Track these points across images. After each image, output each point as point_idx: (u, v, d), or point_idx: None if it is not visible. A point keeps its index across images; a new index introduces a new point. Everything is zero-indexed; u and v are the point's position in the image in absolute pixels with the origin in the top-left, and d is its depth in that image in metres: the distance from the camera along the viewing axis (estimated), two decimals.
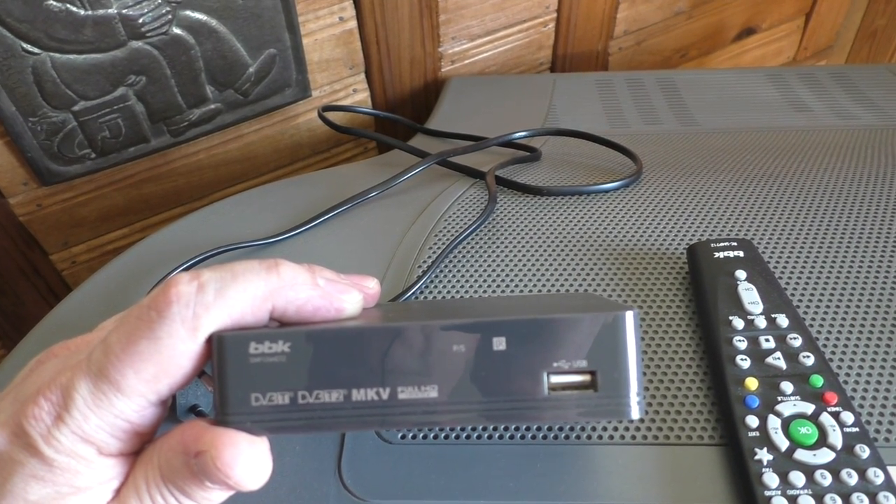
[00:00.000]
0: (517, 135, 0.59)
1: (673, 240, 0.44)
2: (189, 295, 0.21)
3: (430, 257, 0.44)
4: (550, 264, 0.43)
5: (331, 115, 0.71)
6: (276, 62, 0.65)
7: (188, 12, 0.58)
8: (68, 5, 0.52)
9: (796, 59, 1.10)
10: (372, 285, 0.26)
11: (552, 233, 0.46)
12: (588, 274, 0.42)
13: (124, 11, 0.54)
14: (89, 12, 0.53)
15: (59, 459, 0.20)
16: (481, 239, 0.46)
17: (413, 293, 0.41)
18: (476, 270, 0.43)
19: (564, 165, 0.56)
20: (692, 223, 0.46)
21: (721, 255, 0.38)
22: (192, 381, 0.22)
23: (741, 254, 0.38)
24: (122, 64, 0.57)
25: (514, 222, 0.48)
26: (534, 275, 0.42)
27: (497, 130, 0.61)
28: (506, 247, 0.45)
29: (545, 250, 0.44)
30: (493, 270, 0.43)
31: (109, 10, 0.54)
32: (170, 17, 0.57)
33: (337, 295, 0.23)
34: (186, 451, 0.21)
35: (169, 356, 0.20)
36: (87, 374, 0.20)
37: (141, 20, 0.56)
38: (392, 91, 0.76)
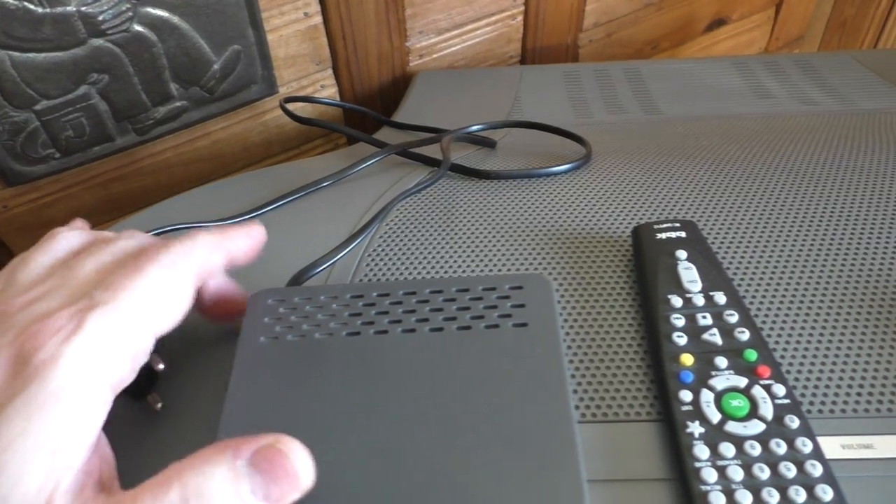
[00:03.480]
0: (473, 128, 0.59)
1: (621, 223, 0.44)
2: (182, 241, 0.29)
3: (382, 240, 0.45)
4: (499, 246, 0.43)
5: (296, 108, 0.72)
6: (240, 59, 0.65)
7: (149, 9, 0.58)
8: (25, 3, 0.52)
9: (768, 49, 1.10)
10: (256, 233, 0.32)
11: (502, 216, 0.46)
12: (535, 256, 0.42)
13: (83, 9, 0.55)
14: (47, 10, 0.53)
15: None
16: (432, 221, 0.46)
17: (349, 250, 0.43)
18: (425, 249, 0.43)
19: (520, 154, 0.56)
20: (640, 206, 0.46)
21: (663, 235, 0.38)
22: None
23: (683, 234, 0.38)
24: (83, 62, 0.57)
25: (464, 206, 0.48)
26: (481, 256, 0.42)
27: (462, 123, 0.62)
28: (455, 229, 0.45)
29: (494, 232, 0.45)
30: (442, 249, 0.43)
31: (68, 8, 0.54)
32: (130, 14, 0.57)
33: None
34: (235, 453, 0.22)
35: (162, 291, 0.27)
36: None
37: (101, 17, 0.56)
38: (360, 86, 0.76)
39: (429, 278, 0.31)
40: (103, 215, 0.67)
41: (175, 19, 0.60)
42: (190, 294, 0.28)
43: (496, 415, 0.27)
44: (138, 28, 0.58)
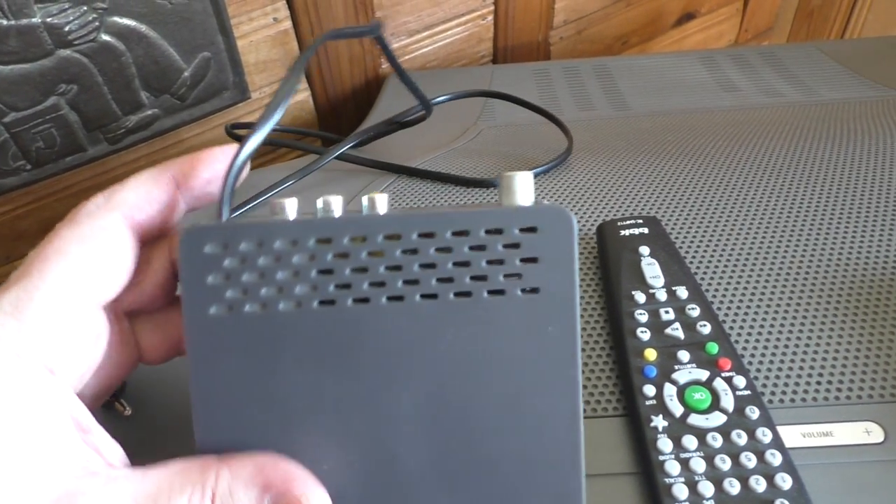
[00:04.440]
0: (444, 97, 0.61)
1: (587, 220, 0.45)
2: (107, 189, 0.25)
3: None
4: None
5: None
6: (211, 65, 0.65)
7: (116, 18, 0.58)
8: None
9: (738, 41, 1.12)
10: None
11: None
12: None
13: (49, 20, 0.54)
14: (12, 22, 0.53)
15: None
16: None
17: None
18: None
19: (491, 154, 0.57)
20: (606, 203, 0.47)
21: (627, 232, 0.39)
22: (127, 274, 0.24)
23: (646, 230, 0.39)
24: (50, 73, 0.57)
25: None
26: None
27: (435, 123, 0.62)
28: None
29: None
30: None
31: (33, 20, 0.54)
32: (97, 24, 0.57)
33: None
34: (267, 487, 0.22)
35: (88, 236, 0.23)
36: None
37: (67, 28, 0.56)
38: (333, 90, 0.76)
39: (416, 211, 0.24)
40: None
41: (143, 28, 0.60)
42: (125, 246, 0.24)
43: (498, 414, 0.25)
44: (106, 38, 0.58)
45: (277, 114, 0.24)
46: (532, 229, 0.24)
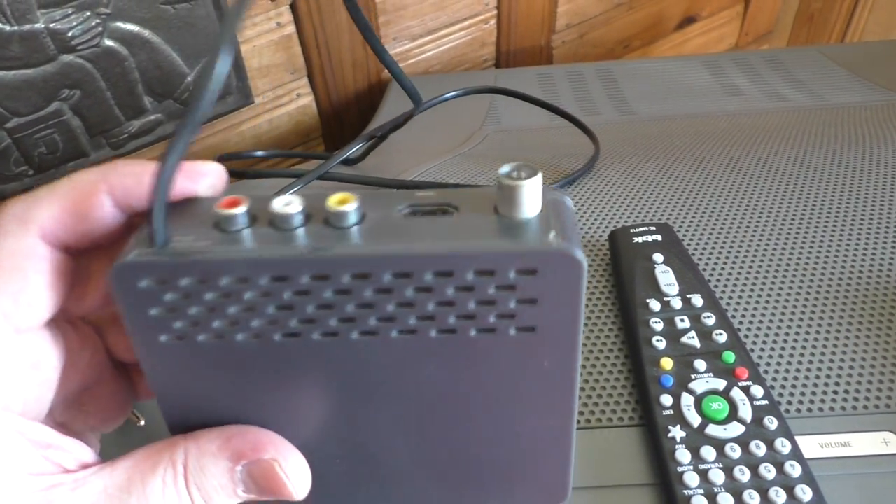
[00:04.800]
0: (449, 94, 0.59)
1: (598, 226, 0.45)
2: (19, 198, 0.21)
3: None
4: None
5: (291, 109, 0.71)
6: None
7: (119, 24, 0.58)
8: None
9: (738, 45, 1.12)
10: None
11: None
12: None
13: (52, 25, 0.54)
14: (15, 27, 0.53)
15: None
16: None
17: None
18: None
19: (499, 159, 0.57)
20: (617, 209, 0.46)
21: (640, 239, 0.39)
22: (54, 306, 0.21)
23: (659, 238, 0.39)
24: (53, 79, 0.57)
25: None
26: None
27: (439, 129, 0.62)
28: None
29: None
30: None
31: (36, 25, 0.53)
32: (100, 29, 0.57)
33: (189, 165, 0.21)
34: (237, 457, 0.21)
35: (3, 258, 0.20)
36: None
37: (70, 33, 0.55)
38: (336, 94, 0.76)
39: (390, 246, 0.19)
40: None
41: (146, 33, 0.60)
42: (45, 269, 0.21)
43: (486, 432, 0.24)
44: (109, 43, 0.58)
45: (206, 99, 0.18)
46: (531, 272, 0.20)
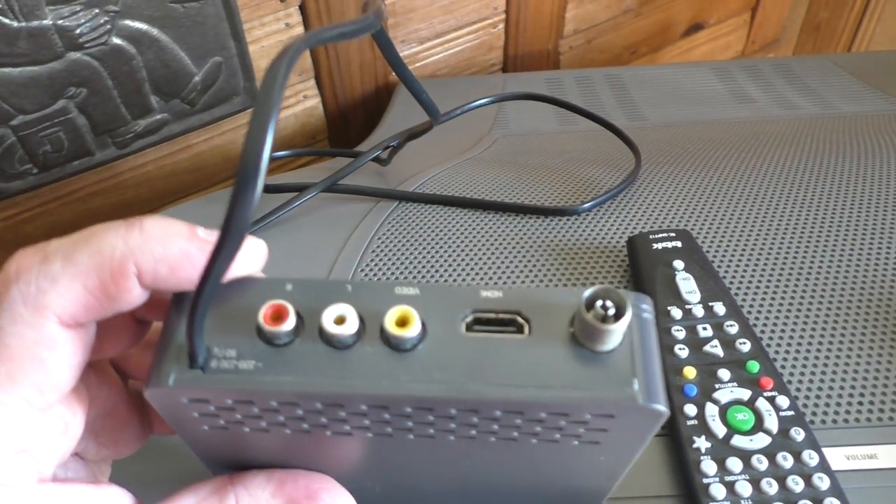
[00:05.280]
0: (467, 107, 0.58)
1: (615, 232, 0.44)
2: (30, 268, 0.17)
3: (366, 276, 0.44)
4: (489, 255, 0.43)
5: (286, 113, 0.71)
6: (222, 70, 0.64)
7: (127, 22, 0.57)
8: (0, 17, 0.51)
9: (744, 52, 1.12)
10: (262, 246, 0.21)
11: (492, 226, 0.46)
12: (531, 268, 0.42)
13: (60, 22, 0.53)
14: (23, 24, 0.52)
15: None
16: (420, 241, 0.46)
17: None
18: (416, 262, 0.43)
19: (510, 164, 0.56)
20: (633, 215, 0.46)
21: (659, 245, 0.38)
22: (77, 378, 0.19)
23: (679, 244, 0.38)
24: (60, 76, 0.56)
25: (451, 224, 0.48)
26: (472, 265, 0.42)
27: (448, 132, 0.61)
28: (444, 243, 0.45)
29: (484, 241, 0.44)
30: (433, 259, 0.43)
31: (44, 22, 0.53)
32: (108, 27, 0.56)
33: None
34: (290, 502, 0.20)
35: (19, 350, 0.17)
36: None
37: (78, 31, 0.55)
38: (343, 96, 0.75)
39: (456, 385, 0.17)
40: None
41: (154, 31, 0.59)
42: (64, 355, 0.18)
43: (531, 481, 0.23)
44: (117, 41, 0.57)
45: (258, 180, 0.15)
46: (609, 416, 0.18)
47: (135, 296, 0.18)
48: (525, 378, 0.17)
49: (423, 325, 0.18)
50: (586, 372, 0.17)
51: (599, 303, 0.17)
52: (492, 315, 0.18)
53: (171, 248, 0.18)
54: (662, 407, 0.17)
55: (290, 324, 0.18)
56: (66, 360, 0.18)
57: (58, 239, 0.18)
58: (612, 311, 0.17)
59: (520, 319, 0.18)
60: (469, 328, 0.18)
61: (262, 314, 0.18)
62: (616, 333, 0.18)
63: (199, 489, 0.20)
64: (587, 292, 0.18)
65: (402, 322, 0.18)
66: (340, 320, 0.18)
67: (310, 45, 0.18)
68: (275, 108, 0.15)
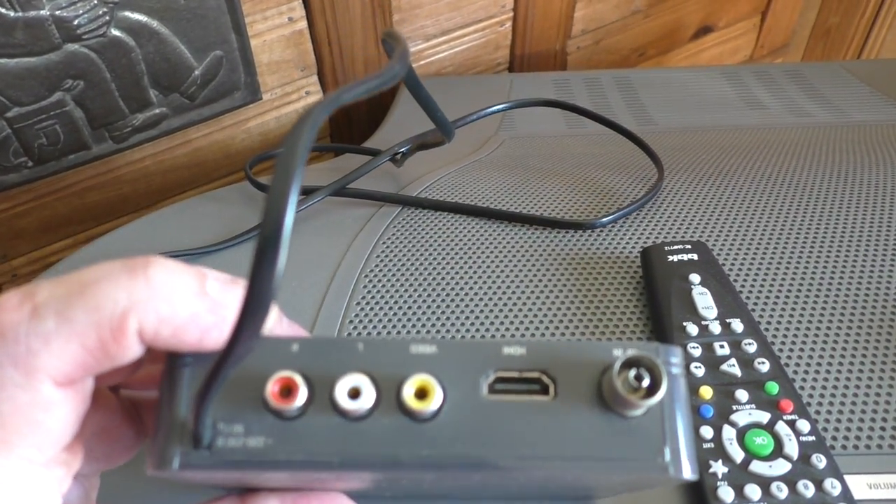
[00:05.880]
0: (474, 118, 0.55)
1: (628, 242, 0.43)
2: (19, 325, 0.15)
3: (367, 289, 0.43)
4: (502, 267, 0.42)
5: (279, 111, 0.69)
6: (222, 64, 0.63)
7: (127, 13, 0.55)
8: None
9: (753, 57, 1.10)
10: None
11: (499, 237, 0.45)
12: (540, 279, 0.40)
13: (58, 13, 0.52)
14: (20, 14, 0.50)
15: None
16: (431, 253, 0.45)
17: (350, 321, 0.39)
18: (420, 277, 0.41)
19: (517, 167, 0.55)
20: (646, 225, 0.45)
21: (675, 258, 0.37)
22: (76, 434, 0.17)
23: (695, 257, 0.37)
24: (57, 68, 0.54)
25: (457, 233, 0.46)
26: (483, 279, 0.41)
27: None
28: (458, 252, 0.43)
29: (494, 255, 0.43)
30: (438, 276, 0.41)
31: (41, 12, 0.51)
32: (107, 18, 0.55)
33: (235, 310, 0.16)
34: None
35: (12, 414, 0.15)
36: None
37: (76, 22, 0.53)
38: None
39: (472, 457, 0.17)
40: (78, 225, 0.64)
41: (154, 24, 0.57)
42: (63, 413, 0.17)
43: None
44: (116, 33, 0.56)
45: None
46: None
47: (134, 353, 0.16)
48: (551, 448, 0.17)
49: (444, 388, 0.17)
50: (615, 440, 0.17)
51: (633, 372, 0.16)
52: (515, 374, 0.17)
53: (178, 308, 0.16)
54: (693, 477, 0.17)
55: (300, 399, 0.17)
56: (64, 418, 0.16)
57: (47, 285, 0.16)
58: (646, 383, 0.16)
59: (545, 379, 0.17)
60: (492, 389, 0.17)
61: (270, 390, 0.17)
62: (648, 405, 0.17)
63: None
64: (619, 361, 0.16)
65: (422, 394, 0.17)
66: (355, 393, 0.17)
67: (335, 105, 0.17)
68: (297, 172, 0.14)
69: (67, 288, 0.16)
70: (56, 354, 0.15)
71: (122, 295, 0.16)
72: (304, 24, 0.66)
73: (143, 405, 0.23)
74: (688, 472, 0.17)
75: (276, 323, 0.20)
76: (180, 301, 0.16)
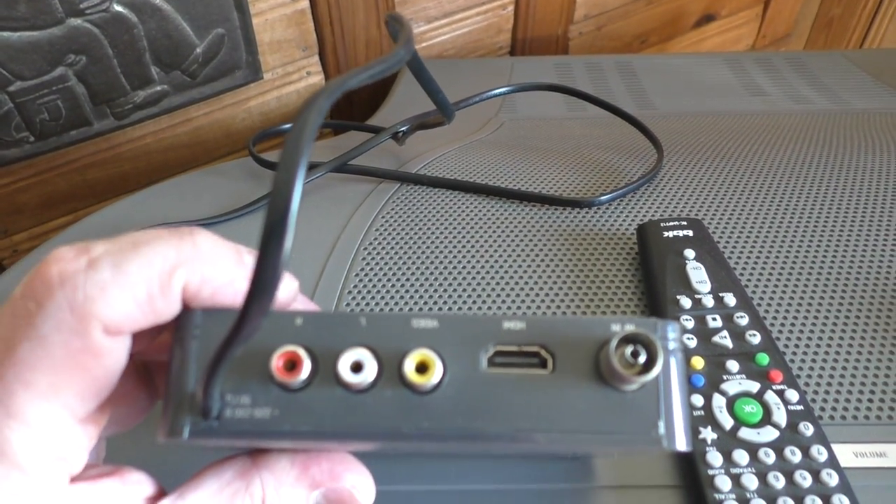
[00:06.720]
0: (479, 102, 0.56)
1: (625, 219, 0.43)
2: (77, 274, 0.16)
3: (366, 261, 0.43)
4: (498, 243, 0.42)
5: (278, 107, 0.70)
6: (224, 42, 0.63)
7: None
8: None
9: (755, 46, 1.10)
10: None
11: (497, 212, 0.45)
12: (537, 254, 0.41)
13: None
14: None
15: None
16: (430, 228, 0.45)
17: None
18: (420, 253, 0.42)
19: (517, 147, 0.55)
20: (643, 203, 0.45)
21: (670, 234, 0.37)
22: (112, 391, 0.18)
23: (690, 233, 0.37)
24: (60, 42, 0.55)
25: (455, 209, 0.47)
26: (480, 254, 0.41)
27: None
28: (450, 232, 0.44)
29: (494, 233, 0.43)
30: (440, 253, 0.42)
31: None
32: None
33: None
34: (314, 485, 0.20)
35: (64, 359, 0.16)
36: None
37: None
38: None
39: (472, 429, 0.17)
40: (79, 202, 0.64)
41: (157, 0, 0.58)
42: (112, 366, 0.17)
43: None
44: (118, 8, 0.56)
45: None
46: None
47: (173, 310, 0.18)
48: (548, 421, 0.17)
49: (444, 362, 0.18)
50: (611, 414, 0.17)
51: (630, 349, 0.17)
52: (514, 348, 0.18)
53: (219, 271, 0.18)
54: (686, 448, 0.17)
55: (304, 372, 0.17)
56: (109, 368, 0.17)
57: (101, 243, 0.17)
58: (642, 359, 0.17)
59: (544, 353, 0.18)
60: (491, 363, 0.18)
61: (275, 364, 0.17)
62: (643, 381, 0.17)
63: (222, 472, 0.20)
64: (616, 336, 0.17)
65: (423, 367, 0.17)
66: (357, 367, 0.17)
67: (341, 91, 0.17)
68: (303, 156, 0.14)
69: (121, 245, 0.17)
70: (110, 303, 0.16)
71: (172, 253, 0.17)
72: (306, 3, 0.66)
73: (154, 367, 0.23)
74: (682, 445, 0.17)
75: (292, 299, 0.21)
76: (222, 265, 0.18)
